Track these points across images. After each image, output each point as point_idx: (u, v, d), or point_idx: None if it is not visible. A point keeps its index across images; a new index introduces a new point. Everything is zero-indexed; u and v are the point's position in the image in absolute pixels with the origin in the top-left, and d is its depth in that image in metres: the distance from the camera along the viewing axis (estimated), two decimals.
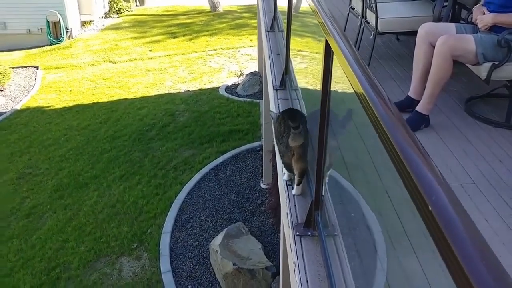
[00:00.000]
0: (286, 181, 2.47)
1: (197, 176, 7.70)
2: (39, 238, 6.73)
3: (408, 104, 3.21)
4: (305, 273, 1.84)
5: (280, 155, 2.40)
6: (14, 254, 6.45)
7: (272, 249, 6.01)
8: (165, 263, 6.07)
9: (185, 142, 8.76)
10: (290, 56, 3.66)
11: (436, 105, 3.18)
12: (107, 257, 6.29)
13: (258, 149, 8.30)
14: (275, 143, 2.48)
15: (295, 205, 2.23)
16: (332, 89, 1.82)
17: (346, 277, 1.80)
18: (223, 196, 7.24)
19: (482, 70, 2.90)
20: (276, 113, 2.58)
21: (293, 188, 2.36)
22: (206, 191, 7.38)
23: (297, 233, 2.03)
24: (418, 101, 3.11)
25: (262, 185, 7.38)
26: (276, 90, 3.54)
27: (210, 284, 5.80)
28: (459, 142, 2.83)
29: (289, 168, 2.38)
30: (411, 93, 3.25)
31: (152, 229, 6.66)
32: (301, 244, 2.01)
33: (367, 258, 2.48)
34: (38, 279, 5.97)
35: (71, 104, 11.05)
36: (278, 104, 3.34)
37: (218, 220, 6.75)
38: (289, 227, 2.15)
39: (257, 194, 7.26)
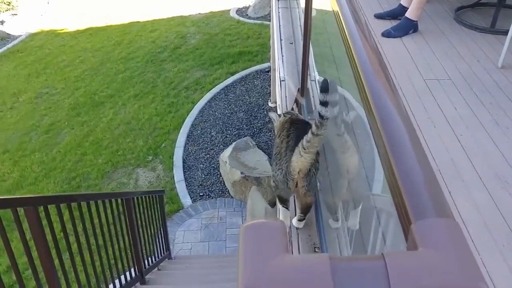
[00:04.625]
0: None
1: (207, 96, 8.00)
2: (58, 151, 7.18)
3: (400, 12, 3.41)
4: None
5: (273, 186, 1.80)
6: (37, 166, 6.92)
7: None
8: (178, 174, 6.50)
9: (196, 64, 8.99)
10: None
11: (428, 14, 3.37)
12: (124, 169, 6.74)
13: (267, 70, 8.50)
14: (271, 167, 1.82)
15: (286, 97, 2.52)
16: None
17: None
18: (233, 114, 7.56)
19: None
20: (278, 115, 1.93)
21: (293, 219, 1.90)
22: (217, 109, 7.69)
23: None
24: None
25: (270, 104, 7.66)
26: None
27: (220, 192, 6.25)
28: (442, 45, 3.05)
29: (284, 201, 1.86)
30: (403, 1, 3.44)
31: (166, 143, 7.06)
32: None
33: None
34: (60, 187, 6.46)
35: (84, 27, 11.22)
36: (279, 13, 3.54)
37: (227, 135, 7.11)
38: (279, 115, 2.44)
39: (264, 112, 7.56)
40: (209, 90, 8.13)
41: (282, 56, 2.83)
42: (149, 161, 6.83)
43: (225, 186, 6.30)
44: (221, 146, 6.91)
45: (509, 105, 2.45)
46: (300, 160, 1.56)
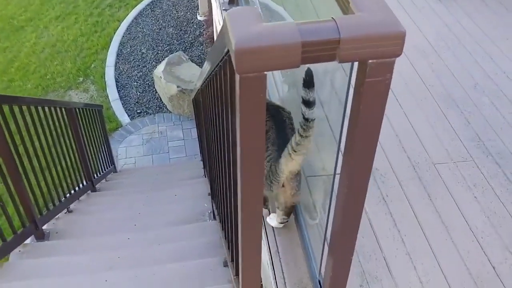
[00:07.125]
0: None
1: (133, 12, 7.81)
2: None
3: None
4: None
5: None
6: None
7: None
8: (112, 93, 6.47)
9: None
10: None
11: None
12: (55, 92, 6.60)
13: None
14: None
15: None
16: None
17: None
18: (162, 30, 7.47)
19: None
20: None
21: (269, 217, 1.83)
22: (144, 26, 7.56)
23: (223, 8, 2.44)
24: None
25: (199, 17, 7.61)
26: None
27: (157, 108, 6.32)
28: None
29: (264, 201, 1.76)
30: None
31: (95, 63, 6.93)
32: None
33: None
34: None
35: None
36: None
37: (159, 52, 7.07)
38: (217, 8, 2.55)
39: (194, 26, 7.52)
40: (134, 7, 7.93)
41: None
42: (80, 83, 6.72)
43: (162, 102, 6.36)
44: (153, 62, 6.88)
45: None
46: (290, 163, 1.45)
